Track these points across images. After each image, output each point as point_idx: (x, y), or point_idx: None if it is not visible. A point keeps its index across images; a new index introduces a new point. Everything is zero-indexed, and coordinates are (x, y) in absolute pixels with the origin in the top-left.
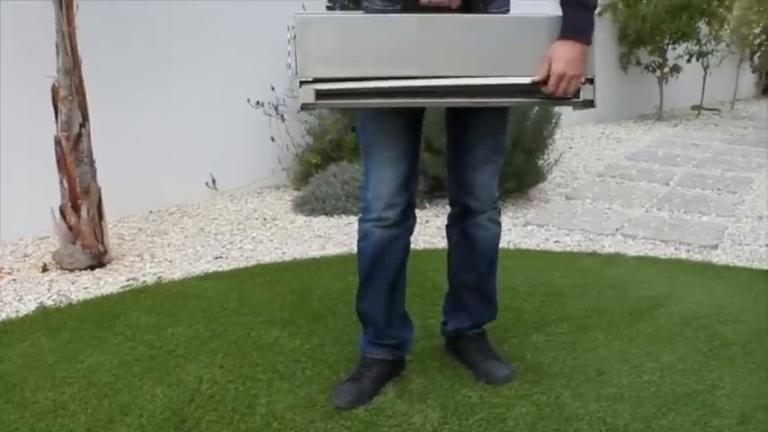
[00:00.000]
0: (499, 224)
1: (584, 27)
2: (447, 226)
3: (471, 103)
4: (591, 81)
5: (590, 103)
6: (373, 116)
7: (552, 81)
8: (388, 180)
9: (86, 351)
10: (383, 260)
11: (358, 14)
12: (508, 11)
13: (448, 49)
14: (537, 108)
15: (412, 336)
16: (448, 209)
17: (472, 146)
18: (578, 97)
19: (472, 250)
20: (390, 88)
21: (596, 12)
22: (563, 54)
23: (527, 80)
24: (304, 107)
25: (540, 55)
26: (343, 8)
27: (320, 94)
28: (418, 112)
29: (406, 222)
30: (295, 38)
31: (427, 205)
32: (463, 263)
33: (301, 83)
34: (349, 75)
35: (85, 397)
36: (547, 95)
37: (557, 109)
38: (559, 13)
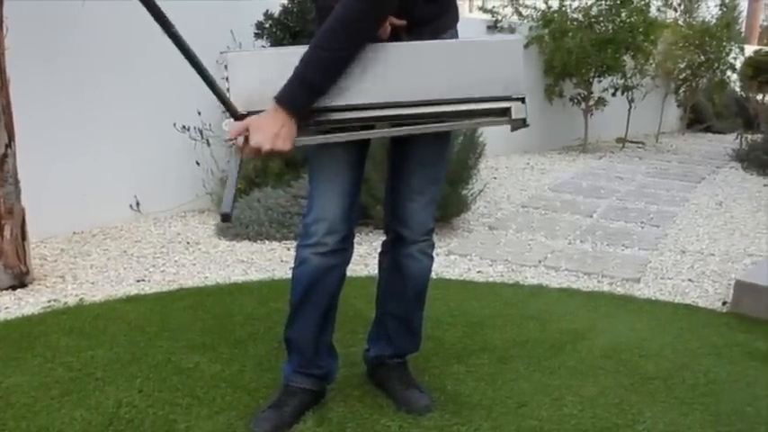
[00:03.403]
0: (431, 257)
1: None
2: (380, 253)
3: (406, 132)
4: (522, 100)
5: (523, 122)
6: (319, 147)
7: (246, 152)
8: (331, 208)
9: (5, 372)
10: (318, 289)
11: (286, 48)
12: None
13: (375, 76)
14: (461, 137)
15: (337, 366)
16: (372, 236)
17: (408, 175)
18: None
19: (401, 280)
20: (326, 121)
21: (523, 43)
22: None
23: (462, 106)
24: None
25: (477, 76)
26: (270, 36)
27: None
28: (360, 144)
29: (344, 252)
30: (227, 78)
31: None
32: (391, 291)
33: (236, 118)
34: None
35: (3, 419)
36: (482, 116)
37: (481, 139)
38: (494, 38)
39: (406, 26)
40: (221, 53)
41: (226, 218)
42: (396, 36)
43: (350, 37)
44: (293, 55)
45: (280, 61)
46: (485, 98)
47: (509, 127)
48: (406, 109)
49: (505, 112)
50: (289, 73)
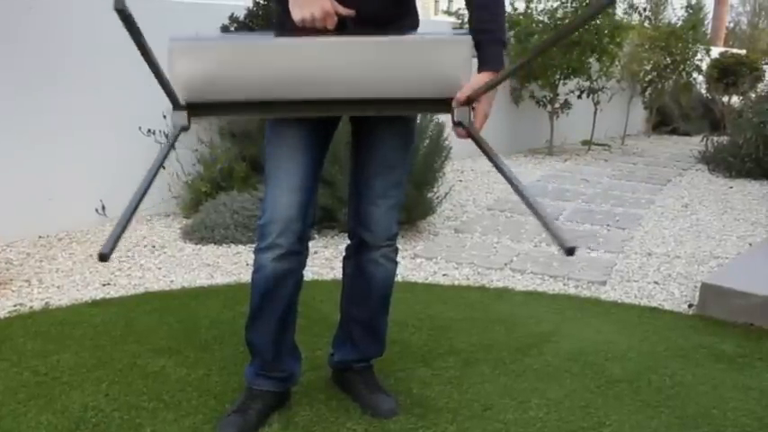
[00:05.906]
0: (395, 262)
1: (501, 62)
2: (344, 258)
3: (355, 111)
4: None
5: (459, 124)
6: (275, 140)
7: (479, 121)
8: (285, 206)
9: None
10: (274, 294)
11: (232, 39)
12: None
13: (326, 71)
14: (427, 140)
15: (300, 368)
16: (338, 240)
17: (371, 179)
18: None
19: (365, 285)
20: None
21: None
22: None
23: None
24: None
25: (420, 75)
26: (237, 26)
27: (195, 114)
28: (319, 141)
29: (298, 255)
30: (168, 63)
31: (316, 236)
32: (355, 297)
33: (176, 107)
34: (221, 99)
35: None
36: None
37: (447, 142)
38: (441, 35)
39: (354, 19)
40: (170, 38)
41: (102, 258)
42: (342, 25)
43: None
44: (232, 43)
45: (219, 50)
46: (427, 99)
47: None
48: (346, 107)
49: (449, 109)
50: (228, 61)
